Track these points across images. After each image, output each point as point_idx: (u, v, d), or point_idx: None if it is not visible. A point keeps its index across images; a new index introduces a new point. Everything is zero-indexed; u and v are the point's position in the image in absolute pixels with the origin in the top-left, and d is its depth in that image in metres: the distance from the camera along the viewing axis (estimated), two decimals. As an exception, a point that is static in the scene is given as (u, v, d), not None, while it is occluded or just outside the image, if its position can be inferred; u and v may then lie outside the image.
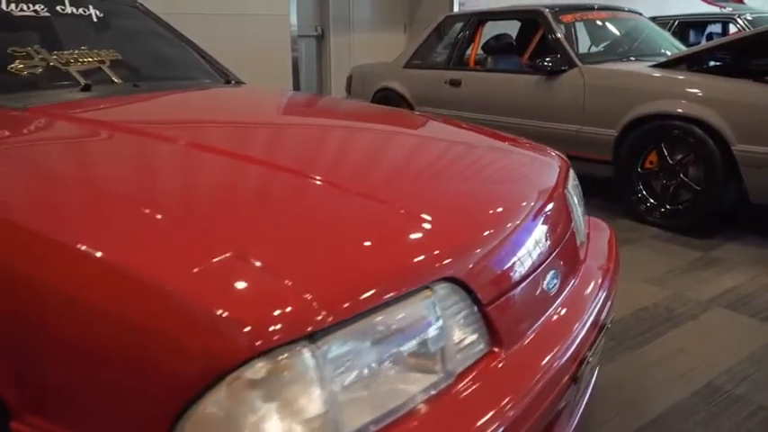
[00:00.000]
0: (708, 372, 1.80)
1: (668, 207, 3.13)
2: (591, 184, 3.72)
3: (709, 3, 8.33)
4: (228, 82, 2.12)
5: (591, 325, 1.16)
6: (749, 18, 6.25)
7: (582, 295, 1.23)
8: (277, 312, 0.72)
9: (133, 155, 1.21)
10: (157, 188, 1.05)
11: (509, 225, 1.07)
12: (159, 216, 0.89)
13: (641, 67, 3.32)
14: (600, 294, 1.28)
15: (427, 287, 0.88)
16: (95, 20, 2.03)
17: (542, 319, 1.08)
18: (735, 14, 5.84)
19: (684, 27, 6.36)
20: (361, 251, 0.87)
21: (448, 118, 2.08)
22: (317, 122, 1.78)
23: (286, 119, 1.78)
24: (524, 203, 1.18)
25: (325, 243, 0.87)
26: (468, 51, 4.28)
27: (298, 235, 0.88)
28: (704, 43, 3.40)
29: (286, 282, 0.75)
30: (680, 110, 2.96)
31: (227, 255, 0.78)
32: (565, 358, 1.04)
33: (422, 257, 0.89)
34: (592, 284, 1.29)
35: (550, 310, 1.12)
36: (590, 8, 3.99)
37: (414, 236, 0.94)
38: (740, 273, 2.57)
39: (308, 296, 0.74)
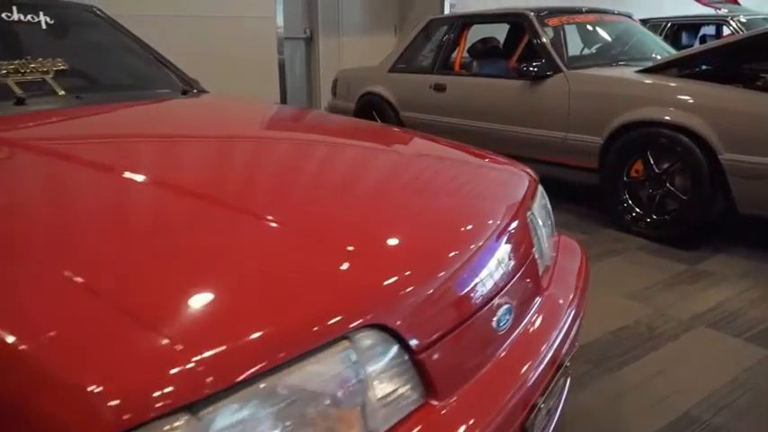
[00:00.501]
0: (686, 399, 1.71)
1: (654, 217, 3.03)
2: (577, 191, 3.65)
3: (704, 4, 8.24)
4: (186, 92, 2.01)
5: (546, 365, 1.06)
6: (743, 20, 6.16)
7: (538, 331, 1.13)
8: (151, 380, 0.62)
9: (13, 181, 1.10)
10: (21, 226, 0.91)
11: (451, 256, 0.97)
12: (16, 267, 0.78)
13: (627, 72, 3.22)
14: (560, 328, 1.18)
15: (345, 337, 0.78)
16: (45, 27, 1.94)
17: (489, 362, 0.98)
18: (728, 17, 5.75)
19: (678, 29, 6.27)
20: (258, 299, 0.76)
21: (407, 129, 1.97)
22: (257, 138, 1.63)
23: (227, 135, 1.61)
24: (473, 231, 1.08)
25: (213, 289, 0.76)
26: (454, 55, 4.18)
27: (180, 281, 0.77)
28: (693, 47, 3.30)
29: (162, 342, 0.65)
30: (665, 117, 2.86)
31: (92, 312, 0.68)
32: (512, 406, 0.94)
33: (337, 303, 0.79)
34: (552, 317, 1.20)
35: (500, 350, 1.02)
36: (578, 11, 3.89)
37: (328, 275, 0.84)
38: (727, 287, 2.47)
39: (189, 359, 0.64)
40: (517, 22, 3.73)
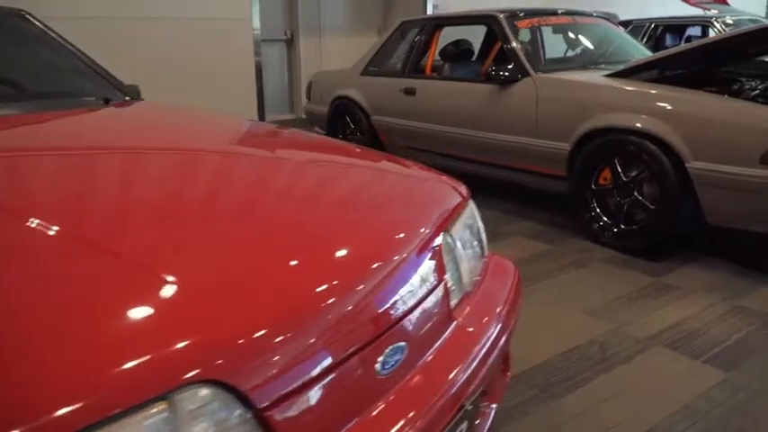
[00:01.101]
0: (631, 429, 1.60)
1: (622, 227, 2.92)
2: (547, 199, 3.54)
3: (692, 4, 8.15)
4: (108, 100, 1.90)
5: (439, 411, 0.95)
6: (729, 21, 6.06)
7: (437, 370, 1.02)
8: None
9: None
10: None
11: (318, 293, 0.86)
12: None
13: (596, 76, 3.12)
14: (467, 365, 1.07)
15: (163, 398, 0.67)
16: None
17: (363, 413, 0.87)
18: (713, 18, 5.64)
19: (663, 31, 6.16)
20: (45, 352, 0.64)
21: (312, 134, 1.85)
22: (149, 152, 1.46)
23: (115, 148, 1.47)
24: (353, 261, 0.97)
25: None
26: (425, 58, 4.07)
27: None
28: (663, 51, 3.19)
29: None
30: (632, 124, 2.76)
31: None
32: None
33: (154, 358, 0.68)
34: (458, 353, 1.09)
35: (383, 397, 0.91)
36: (551, 13, 3.78)
37: (146, 320, 0.72)
38: (691, 302, 2.37)
39: None
40: (487, 24, 3.62)
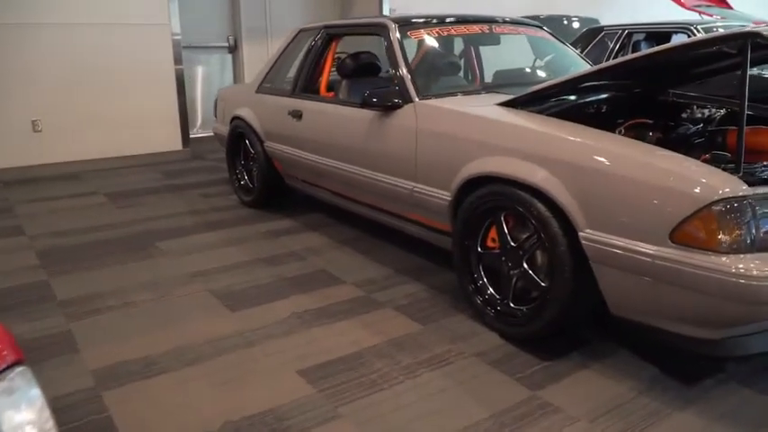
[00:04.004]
0: None
1: (512, 306, 2.20)
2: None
3: (688, 8, 7.28)
4: None
5: None
6: (719, 26, 5.28)
7: None
8: None
9: None
10: None
11: None
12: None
13: (485, 105, 2.40)
14: None
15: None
16: None
17: None
18: (693, 24, 4.84)
19: (647, 39, 5.35)
20: None
21: None
22: None
23: None
24: None
25: None
26: (318, 74, 3.38)
27: None
28: (576, 71, 2.45)
29: None
30: (515, 173, 2.04)
31: None
32: None
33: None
34: None
35: None
36: (463, 21, 3.04)
37: None
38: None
39: None
40: (378, 34, 2.91)
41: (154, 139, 5.34)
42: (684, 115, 2.63)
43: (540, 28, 3.35)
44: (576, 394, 1.86)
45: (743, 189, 1.63)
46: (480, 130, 2.22)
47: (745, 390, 1.86)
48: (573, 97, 2.47)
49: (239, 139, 3.93)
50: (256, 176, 3.80)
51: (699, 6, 7.17)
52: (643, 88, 2.66)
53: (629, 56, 2.01)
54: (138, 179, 4.78)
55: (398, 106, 2.59)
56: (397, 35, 2.79)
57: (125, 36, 5.04)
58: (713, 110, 2.59)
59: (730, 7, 7.51)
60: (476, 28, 3.02)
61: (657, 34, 5.17)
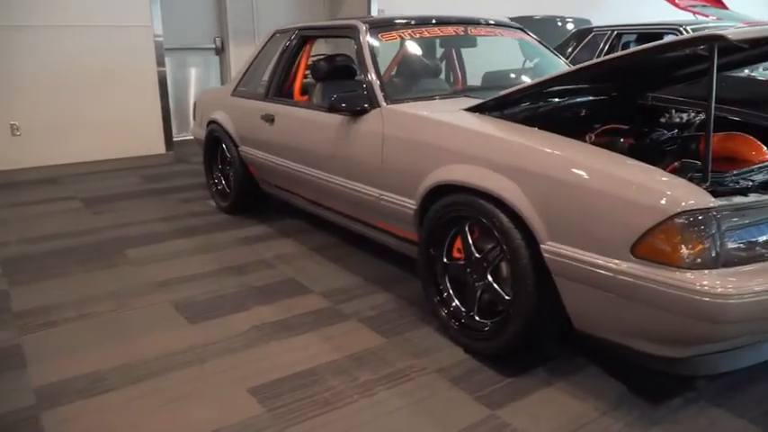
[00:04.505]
0: None
1: (477, 319, 2.12)
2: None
3: (682, 8, 7.17)
4: None
5: None
6: (711, 27, 5.17)
7: None
8: None
9: None
10: None
11: None
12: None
13: (453, 109, 2.31)
14: None
15: None
16: None
17: None
18: (683, 25, 4.75)
19: (638, 40, 5.25)
20: None
21: None
22: None
23: None
24: None
25: None
26: (291, 77, 3.30)
27: None
28: (551, 73, 2.36)
29: None
30: (476, 181, 1.96)
31: None
32: None
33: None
34: None
35: None
36: (442, 22, 2.95)
37: None
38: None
39: None
40: (348, 36, 2.83)
41: (136, 142, 5.26)
42: (663, 120, 2.54)
43: (522, 30, 3.26)
44: (536, 414, 1.77)
45: (708, 201, 1.54)
46: (443, 137, 2.14)
47: (715, 410, 1.77)
48: (547, 101, 2.38)
49: (216, 143, 3.86)
50: (233, 182, 3.72)
51: (693, 6, 7.05)
52: (620, 92, 2.58)
53: (595, 60, 1.92)
54: (117, 183, 4.70)
55: (366, 111, 2.51)
56: (367, 37, 2.71)
57: (106, 38, 4.96)
58: (692, 114, 2.50)
59: (725, 7, 7.38)
60: (450, 30, 2.94)
61: (647, 35, 5.07)
